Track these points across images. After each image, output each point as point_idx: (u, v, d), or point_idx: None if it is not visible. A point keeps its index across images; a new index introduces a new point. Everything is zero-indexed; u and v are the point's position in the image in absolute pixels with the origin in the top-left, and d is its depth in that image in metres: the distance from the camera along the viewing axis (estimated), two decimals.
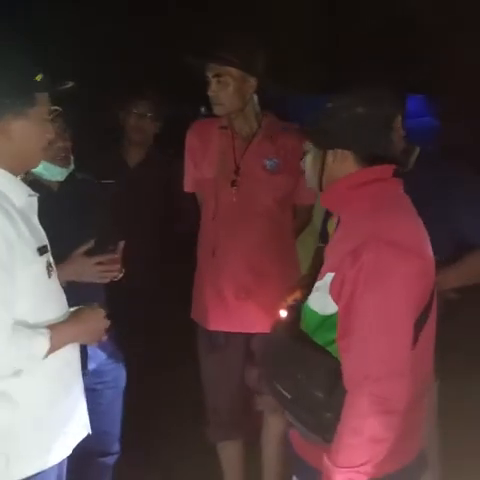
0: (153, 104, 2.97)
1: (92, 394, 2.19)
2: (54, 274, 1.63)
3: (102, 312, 1.72)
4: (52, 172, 2.19)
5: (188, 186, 2.52)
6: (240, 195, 2.33)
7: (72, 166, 2.25)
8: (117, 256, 2.12)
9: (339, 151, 1.53)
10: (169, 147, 3.06)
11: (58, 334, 1.57)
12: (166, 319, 3.05)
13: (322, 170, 1.56)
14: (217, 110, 2.31)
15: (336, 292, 1.44)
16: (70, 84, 1.70)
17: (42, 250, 1.58)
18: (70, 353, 1.67)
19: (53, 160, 2.16)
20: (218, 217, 2.34)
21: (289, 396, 1.49)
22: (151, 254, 2.86)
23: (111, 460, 2.40)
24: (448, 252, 2.05)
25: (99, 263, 2.08)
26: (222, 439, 2.55)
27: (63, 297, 1.69)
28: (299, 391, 1.47)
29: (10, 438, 1.54)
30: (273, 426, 2.48)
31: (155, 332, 3.02)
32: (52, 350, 1.55)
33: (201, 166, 2.43)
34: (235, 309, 2.35)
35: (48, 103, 1.64)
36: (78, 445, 2.04)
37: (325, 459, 1.40)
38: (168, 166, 2.92)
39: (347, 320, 1.41)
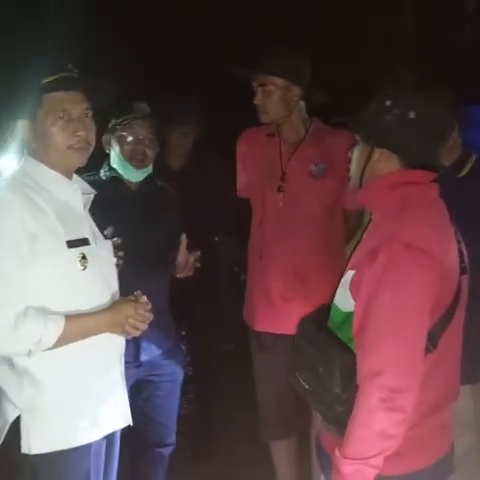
0: (194, 120, 2.98)
1: (148, 385, 2.35)
2: (93, 266, 1.71)
3: (136, 305, 1.76)
4: (127, 172, 2.36)
5: (240, 192, 2.61)
6: (286, 200, 2.40)
7: (148, 170, 2.39)
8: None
9: (386, 150, 1.55)
10: (212, 154, 3.10)
11: (76, 323, 1.65)
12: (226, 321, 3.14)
13: (365, 166, 1.58)
14: (263, 118, 2.40)
15: (354, 289, 1.49)
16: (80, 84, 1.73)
17: (74, 243, 1.68)
18: (109, 342, 1.76)
19: (129, 161, 2.33)
20: (264, 222, 2.42)
21: (307, 387, 1.55)
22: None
23: (167, 451, 2.50)
24: None
25: None
26: (273, 437, 2.62)
27: (102, 289, 1.77)
28: (317, 384, 1.52)
29: (31, 414, 1.66)
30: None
31: (215, 332, 3.13)
32: (66, 338, 1.63)
33: (250, 172, 2.53)
34: (281, 311, 2.41)
35: (62, 103, 1.69)
36: (135, 436, 2.17)
37: (336, 451, 1.45)
38: (210, 173, 2.94)
39: (362, 317, 1.45)
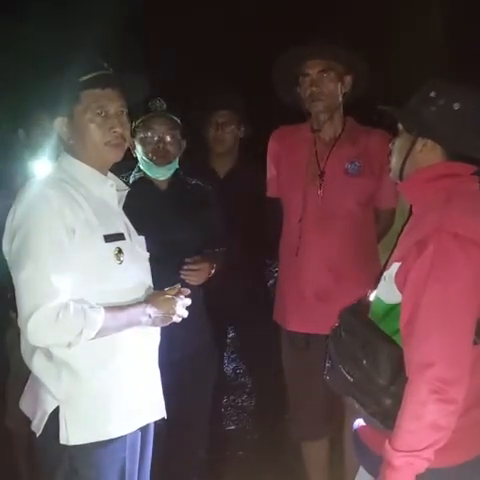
0: (234, 114, 2.89)
1: (180, 384, 2.34)
2: (128, 261, 1.74)
3: (174, 299, 1.80)
4: (152, 171, 2.37)
5: (271, 191, 2.60)
6: (324, 198, 2.39)
7: (173, 166, 2.39)
8: (196, 267, 2.25)
9: (429, 141, 1.55)
10: (259, 155, 3.02)
11: (114, 316, 1.67)
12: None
13: (407, 156, 1.58)
14: (317, 106, 2.36)
15: (401, 281, 1.48)
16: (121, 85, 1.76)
17: (111, 237, 1.71)
18: (145, 335, 1.79)
19: (152, 159, 2.34)
20: (303, 220, 2.40)
21: (351, 379, 1.54)
22: (238, 262, 2.80)
23: (197, 448, 2.52)
24: None
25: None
26: (305, 438, 2.60)
27: (137, 283, 1.79)
28: (362, 376, 1.51)
29: (69, 405, 1.68)
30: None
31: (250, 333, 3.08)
32: (105, 330, 1.65)
33: (284, 171, 2.52)
34: (315, 310, 2.40)
35: (100, 100, 1.72)
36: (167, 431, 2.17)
37: (386, 443, 1.44)
38: (258, 174, 2.84)
39: (411, 309, 1.44)
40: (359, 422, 1.68)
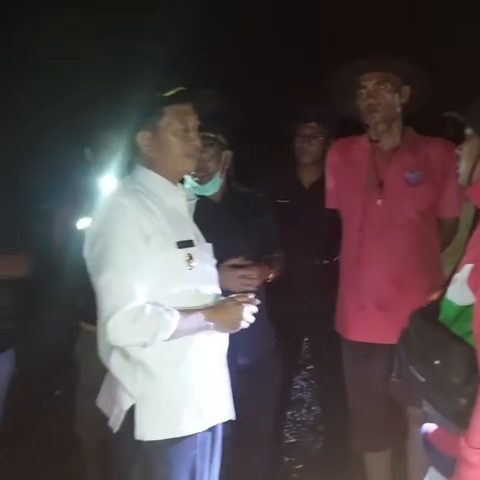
0: (322, 127, 2.91)
1: (245, 387, 2.38)
2: (198, 267, 1.81)
3: (244, 307, 1.85)
4: (197, 189, 2.41)
5: (330, 202, 2.63)
6: (384, 208, 2.41)
7: (216, 181, 2.43)
8: (255, 272, 2.29)
9: None
10: None
11: (187, 319, 1.74)
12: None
13: (476, 161, 1.58)
14: (375, 117, 2.40)
15: (474, 282, 1.48)
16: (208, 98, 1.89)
17: (182, 244, 1.80)
18: (215, 339, 1.85)
19: (194, 178, 2.40)
20: (363, 229, 2.43)
21: (423, 380, 1.54)
22: (314, 273, 2.87)
23: (263, 453, 2.53)
24: None
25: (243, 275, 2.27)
26: (368, 449, 2.58)
27: (206, 289, 1.86)
28: (434, 376, 1.51)
29: (144, 403, 1.75)
30: (418, 437, 2.46)
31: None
32: (178, 332, 1.72)
33: (343, 182, 2.55)
34: (376, 320, 2.41)
35: (181, 115, 1.83)
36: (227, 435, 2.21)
37: (462, 441, 1.43)
38: None
39: None
40: (428, 426, 1.68)
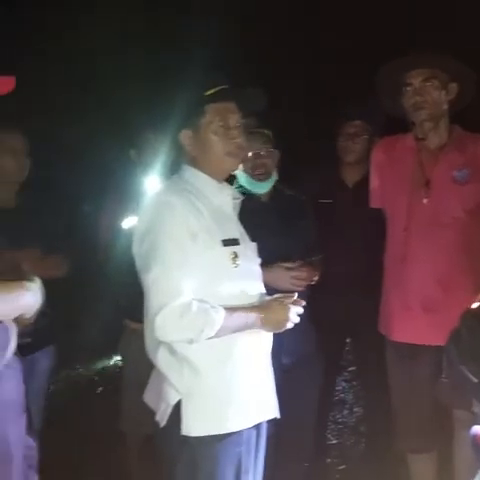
0: (364, 124, 2.90)
1: (288, 386, 2.38)
2: (243, 265, 1.82)
3: (290, 308, 1.85)
4: (250, 185, 2.47)
5: (374, 202, 2.60)
6: (430, 207, 2.38)
7: (272, 180, 2.48)
8: (305, 273, 2.31)
9: None
10: None
11: (233, 317, 1.75)
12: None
13: None
14: (421, 115, 2.36)
15: None
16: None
17: (227, 242, 1.81)
18: (260, 337, 1.85)
19: (252, 175, 2.43)
20: (409, 229, 2.40)
21: (475, 380, 1.51)
22: (358, 272, 2.84)
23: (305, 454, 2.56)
24: None
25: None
26: (413, 451, 2.55)
27: (251, 287, 1.87)
28: None
29: (190, 398, 1.77)
30: (465, 439, 2.42)
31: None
32: (224, 329, 1.73)
33: (388, 181, 2.52)
34: (421, 321, 2.37)
35: (222, 113, 1.84)
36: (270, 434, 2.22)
37: None
38: None
39: None
40: (478, 428, 1.64)
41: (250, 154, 2.42)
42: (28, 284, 1.41)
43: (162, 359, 1.80)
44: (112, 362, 3.89)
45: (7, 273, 1.39)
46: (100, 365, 4.10)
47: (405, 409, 2.50)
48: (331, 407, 3.44)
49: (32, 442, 1.49)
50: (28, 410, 1.42)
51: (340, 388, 4.11)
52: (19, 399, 1.38)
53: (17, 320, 1.36)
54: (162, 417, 1.80)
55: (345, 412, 3.93)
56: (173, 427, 1.77)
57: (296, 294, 1.91)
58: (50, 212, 2.71)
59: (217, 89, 1.85)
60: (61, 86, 4.39)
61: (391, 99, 2.44)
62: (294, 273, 2.29)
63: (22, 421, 1.40)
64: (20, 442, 1.38)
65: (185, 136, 1.88)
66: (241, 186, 2.49)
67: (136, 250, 1.81)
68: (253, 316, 1.80)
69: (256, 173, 2.43)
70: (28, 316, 1.41)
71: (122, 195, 2.79)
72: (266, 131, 2.46)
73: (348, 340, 3.16)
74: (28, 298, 1.40)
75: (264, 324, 1.83)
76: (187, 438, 1.76)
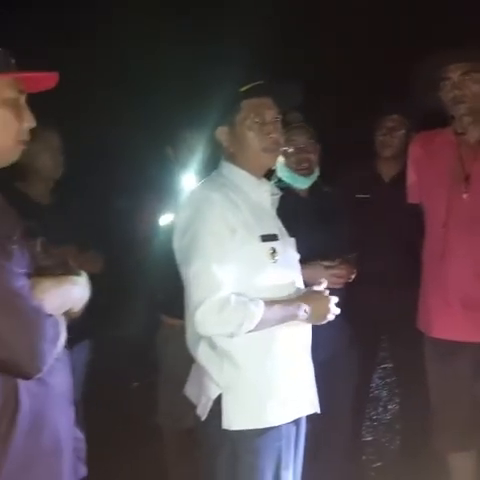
0: (402, 119, 2.91)
1: (322, 382, 2.38)
2: (282, 261, 1.83)
3: (329, 299, 1.87)
4: (293, 180, 2.47)
5: (412, 197, 2.58)
6: (470, 202, 2.35)
7: (315, 175, 2.49)
8: (344, 271, 2.32)
9: None
10: None
11: (273, 310, 1.76)
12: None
13: None
14: (461, 109, 2.34)
15: None
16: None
17: (266, 237, 1.82)
18: (299, 330, 1.87)
19: (296, 170, 2.43)
20: (448, 224, 2.37)
21: None
22: (395, 268, 2.82)
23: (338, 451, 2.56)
24: None
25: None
26: (453, 449, 2.52)
27: (290, 282, 1.88)
28: None
29: (230, 392, 1.79)
30: None
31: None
32: (264, 323, 1.74)
33: (426, 176, 2.49)
34: (461, 317, 2.34)
35: (257, 108, 1.84)
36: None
37: None
38: None
39: None
40: None
41: (293, 149, 2.42)
42: (76, 278, 1.45)
43: (203, 353, 1.82)
44: (148, 357, 3.94)
45: (55, 268, 1.43)
46: (136, 360, 4.15)
47: (444, 407, 2.48)
48: (366, 404, 3.43)
49: (80, 434, 1.52)
50: (75, 402, 1.45)
51: (374, 385, 4.08)
52: (68, 391, 1.41)
53: (66, 314, 1.39)
54: (203, 411, 1.83)
55: (380, 409, 3.91)
56: (214, 420, 1.79)
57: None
58: (84, 209, 2.76)
59: (252, 85, 1.86)
60: (99, 85, 4.46)
61: (428, 94, 2.41)
62: (333, 271, 2.29)
63: (71, 413, 1.44)
64: (70, 434, 1.41)
65: (222, 133, 1.90)
66: (280, 181, 2.51)
67: (176, 245, 1.83)
68: (294, 308, 1.81)
69: (300, 168, 2.43)
70: (76, 310, 1.44)
71: (159, 193, 2.82)
72: (308, 125, 2.46)
73: (382, 337, 3.15)
74: (77, 292, 1.43)
75: (307, 315, 1.83)
76: (228, 432, 1.78)
